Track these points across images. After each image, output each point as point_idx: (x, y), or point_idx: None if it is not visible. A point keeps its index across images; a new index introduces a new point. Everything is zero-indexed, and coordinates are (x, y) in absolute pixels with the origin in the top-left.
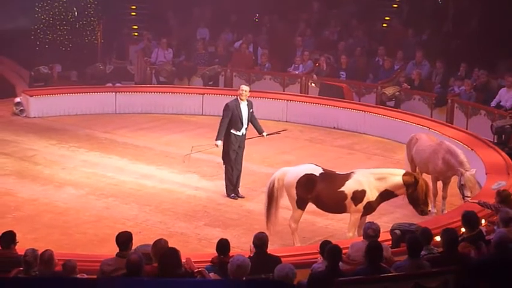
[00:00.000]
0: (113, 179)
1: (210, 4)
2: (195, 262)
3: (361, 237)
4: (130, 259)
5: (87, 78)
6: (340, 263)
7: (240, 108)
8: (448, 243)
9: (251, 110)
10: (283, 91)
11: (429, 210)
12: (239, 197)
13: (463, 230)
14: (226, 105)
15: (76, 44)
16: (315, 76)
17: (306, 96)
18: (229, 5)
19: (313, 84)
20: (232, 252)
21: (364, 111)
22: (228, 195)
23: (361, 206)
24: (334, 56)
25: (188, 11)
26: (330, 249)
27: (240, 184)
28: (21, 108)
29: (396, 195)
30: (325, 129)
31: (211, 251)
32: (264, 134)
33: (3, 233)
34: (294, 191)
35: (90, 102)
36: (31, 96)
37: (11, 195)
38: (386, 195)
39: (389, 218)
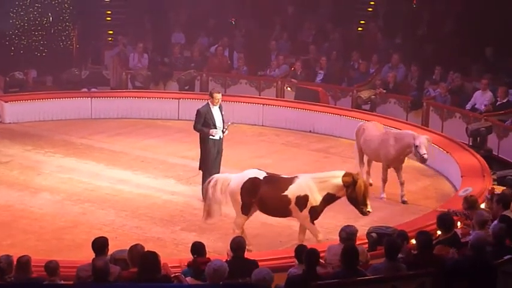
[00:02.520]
0: (89, 185)
1: (185, 8)
2: (171, 267)
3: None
4: (96, 265)
5: (62, 83)
6: (317, 267)
7: (211, 113)
8: (422, 246)
9: (223, 113)
10: (259, 95)
11: (368, 211)
12: None
13: (439, 232)
14: (198, 110)
15: (51, 49)
16: (294, 80)
17: (281, 100)
18: (205, 10)
19: (289, 89)
20: (208, 256)
21: (340, 115)
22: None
23: (306, 211)
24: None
25: (164, 16)
26: (307, 253)
27: None
28: None
29: (339, 197)
30: (301, 133)
31: (188, 256)
32: (228, 123)
33: None
34: (239, 197)
35: (65, 108)
36: (6, 102)
37: None
38: (329, 198)
39: (366, 221)
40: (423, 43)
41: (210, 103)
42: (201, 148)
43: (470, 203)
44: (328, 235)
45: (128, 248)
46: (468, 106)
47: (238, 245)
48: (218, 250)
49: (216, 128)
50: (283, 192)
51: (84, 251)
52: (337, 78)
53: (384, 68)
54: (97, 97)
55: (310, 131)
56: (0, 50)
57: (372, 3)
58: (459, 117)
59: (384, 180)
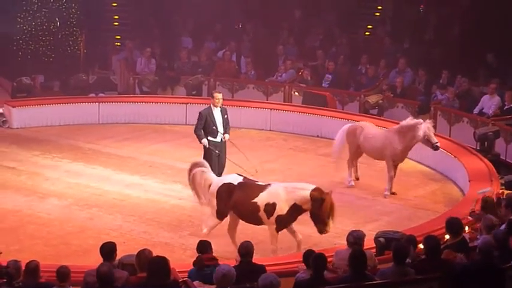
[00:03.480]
0: (96, 190)
1: (193, 13)
2: (179, 272)
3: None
4: (100, 271)
5: (70, 88)
6: (325, 272)
7: (213, 115)
8: (430, 250)
9: (226, 116)
10: (267, 100)
11: (327, 230)
12: None
13: (447, 237)
14: (200, 113)
15: (59, 55)
16: (301, 85)
17: (289, 105)
18: (212, 14)
19: (296, 93)
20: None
21: (348, 120)
22: None
23: (272, 219)
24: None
25: (171, 21)
26: (314, 258)
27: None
28: (4, 119)
29: (305, 210)
30: (308, 138)
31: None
32: (227, 136)
33: None
34: (215, 201)
35: (73, 113)
36: (13, 107)
37: None
38: (296, 209)
39: (374, 225)
40: (430, 47)
41: (212, 105)
42: (203, 149)
43: (488, 203)
44: (336, 240)
45: (135, 253)
46: (476, 110)
47: (246, 250)
48: (226, 255)
49: (218, 131)
50: (254, 199)
51: (92, 256)
52: (345, 83)
53: (391, 72)
54: (104, 102)
55: (317, 136)
56: (7, 55)
57: (379, 7)
58: (467, 122)
59: (392, 178)
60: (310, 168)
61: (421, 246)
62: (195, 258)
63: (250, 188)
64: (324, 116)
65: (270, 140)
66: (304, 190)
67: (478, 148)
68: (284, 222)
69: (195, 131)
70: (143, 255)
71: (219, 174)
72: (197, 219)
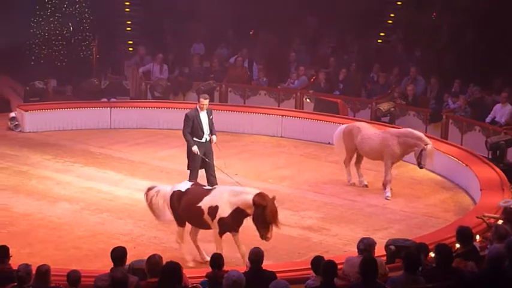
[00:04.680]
0: (107, 194)
1: (205, 20)
2: (189, 278)
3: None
4: (115, 277)
5: (82, 93)
6: (335, 279)
7: (199, 118)
8: (441, 259)
9: (211, 117)
10: (278, 106)
11: (268, 238)
12: None
13: (457, 245)
14: (186, 115)
15: (71, 59)
16: (312, 92)
17: (300, 112)
18: (224, 21)
19: (308, 100)
20: (226, 267)
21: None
22: None
23: (215, 221)
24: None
25: (184, 27)
26: (325, 265)
27: None
28: (16, 123)
29: (248, 215)
30: (319, 145)
31: (206, 267)
32: (214, 137)
33: None
34: (170, 210)
35: (85, 117)
36: (26, 111)
37: (5, 210)
38: (239, 213)
39: (384, 233)
40: (443, 55)
41: (198, 108)
42: (187, 149)
43: (510, 215)
44: (347, 247)
45: (146, 258)
46: (488, 119)
47: (256, 256)
48: (236, 261)
49: (203, 132)
50: (198, 203)
51: (102, 260)
52: (356, 90)
53: (403, 80)
54: (116, 107)
55: (329, 143)
56: (20, 59)
57: (392, 15)
58: (479, 130)
59: (389, 180)
60: (321, 175)
61: (431, 254)
62: (209, 272)
63: (196, 192)
64: (336, 123)
65: (281, 146)
66: (247, 194)
67: (489, 157)
68: (227, 225)
69: (184, 135)
70: (153, 260)
71: (212, 176)
72: None
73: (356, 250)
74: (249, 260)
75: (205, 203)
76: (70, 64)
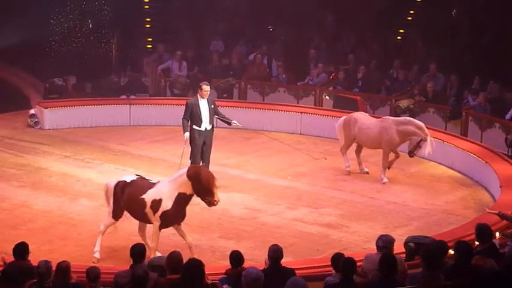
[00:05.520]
0: None
1: (224, 17)
2: (209, 274)
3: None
4: (135, 273)
5: (101, 90)
6: (354, 276)
7: (199, 106)
8: (461, 256)
9: (212, 106)
10: (298, 103)
11: (215, 201)
12: None
13: (476, 243)
14: (186, 102)
15: (91, 56)
16: (330, 88)
17: (320, 109)
18: (243, 18)
19: (327, 97)
20: (246, 264)
21: None
22: None
23: (157, 215)
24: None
25: (203, 24)
26: (344, 262)
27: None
28: (36, 120)
29: (190, 195)
30: (339, 142)
31: (225, 263)
32: (234, 122)
33: (17, 244)
34: (111, 200)
35: (104, 114)
36: (46, 108)
37: (25, 207)
38: (181, 198)
39: (404, 230)
40: (462, 52)
41: (198, 95)
42: (189, 138)
43: None
44: (366, 244)
45: (165, 255)
46: (508, 116)
47: (276, 253)
48: (255, 258)
49: (201, 120)
50: (142, 195)
51: (122, 257)
52: (376, 87)
53: (423, 77)
54: (136, 104)
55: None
56: (40, 56)
57: (411, 12)
58: (498, 127)
59: (387, 166)
60: (340, 173)
61: (451, 251)
62: (228, 269)
63: (140, 185)
64: None
65: (301, 143)
66: (181, 176)
67: (509, 154)
68: (169, 219)
69: (182, 121)
70: (174, 257)
71: (206, 163)
72: (226, 222)
73: (375, 247)
74: (268, 256)
75: (148, 196)
76: (89, 61)
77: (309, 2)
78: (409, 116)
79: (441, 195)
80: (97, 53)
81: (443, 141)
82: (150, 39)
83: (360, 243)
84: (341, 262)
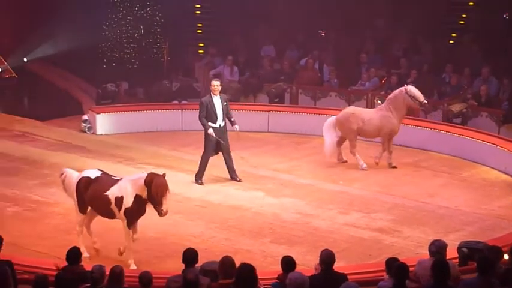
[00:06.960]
0: (178, 196)
1: (276, 22)
2: (260, 279)
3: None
4: (187, 278)
5: (153, 95)
6: (407, 281)
7: (213, 103)
8: None
9: (225, 103)
10: None
11: (162, 211)
12: (237, 180)
13: None
14: (200, 100)
15: (143, 62)
16: (382, 92)
17: None
18: (295, 23)
19: (379, 101)
20: (298, 269)
21: (431, 128)
22: (196, 181)
23: (122, 212)
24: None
25: (254, 29)
26: (397, 267)
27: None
28: (89, 125)
29: (147, 199)
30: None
31: (277, 268)
32: (236, 127)
33: (69, 250)
34: (75, 195)
35: (156, 120)
36: (98, 113)
37: None
38: (139, 201)
39: (456, 235)
40: None
41: (211, 93)
42: (204, 133)
43: None
44: (418, 249)
45: (217, 260)
46: None
47: (328, 258)
48: (307, 263)
49: (216, 117)
50: (105, 192)
51: (174, 262)
52: (428, 92)
53: (476, 81)
54: (187, 109)
55: (400, 145)
56: (93, 62)
57: (464, 16)
58: None
59: (390, 152)
60: (393, 177)
61: (505, 257)
62: (280, 274)
63: (104, 181)
64: (407, 124)
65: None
66: (140, 179)
67: None
68: (132, 215)
69: (200, 120)
70: (227, 262)
71: (230, 160)
72: (278, 226)
73: (428, 252)
74: (320, 261)
75: (112, 193)
76: (141, 67)
77: (360, 6)
78: (462, 121)
79: (494, 200)
80: (149, 58)
81: (497, 145)
82: (201, 44)
83: (412, 248)
84: (394, 267)
